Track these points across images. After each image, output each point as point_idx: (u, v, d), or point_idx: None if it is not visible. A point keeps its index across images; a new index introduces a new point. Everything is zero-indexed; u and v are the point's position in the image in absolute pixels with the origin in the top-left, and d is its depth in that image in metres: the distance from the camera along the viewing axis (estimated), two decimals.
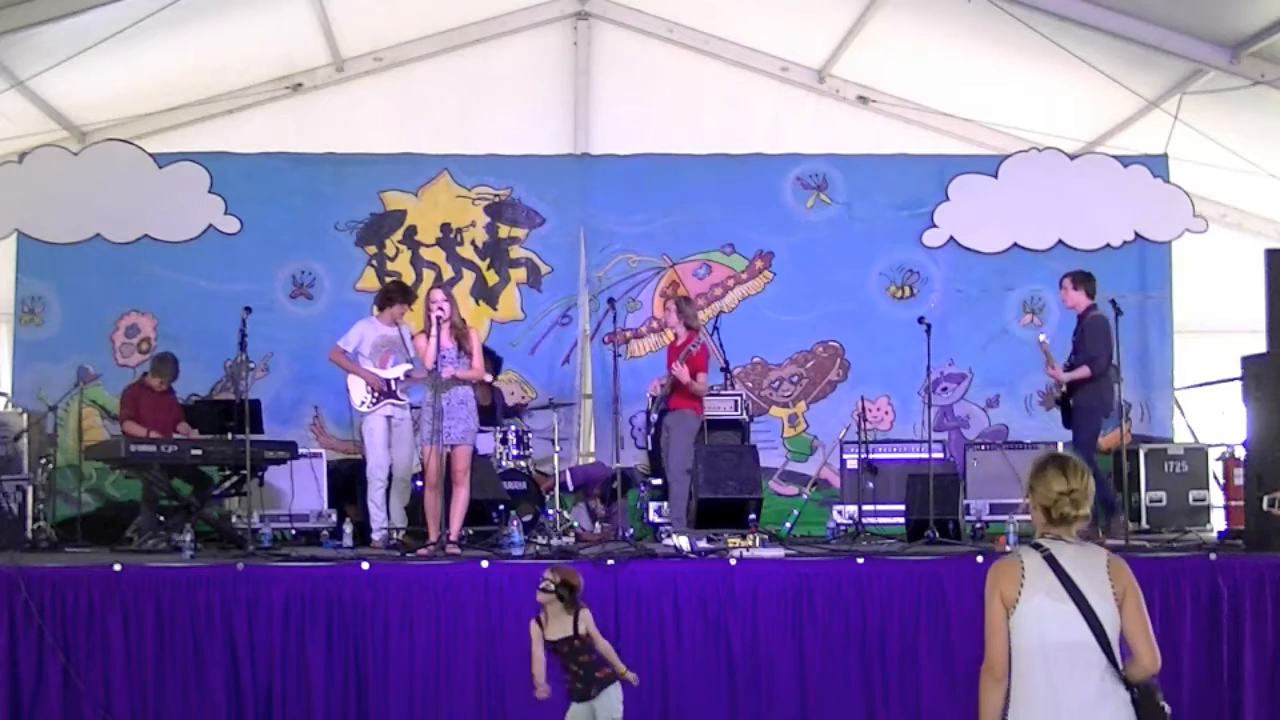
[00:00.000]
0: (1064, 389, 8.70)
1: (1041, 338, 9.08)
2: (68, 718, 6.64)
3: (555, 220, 11.04)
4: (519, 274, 11.05)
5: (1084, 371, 8.53)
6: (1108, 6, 9.69)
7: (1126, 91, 10.44)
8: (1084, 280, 8.90)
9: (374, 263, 10.92)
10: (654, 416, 9.28)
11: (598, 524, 9.83)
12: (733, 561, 7.11)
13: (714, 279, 11.08)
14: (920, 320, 8.88)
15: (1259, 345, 8.05)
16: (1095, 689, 3.71)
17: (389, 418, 8.73)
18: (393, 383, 8.73)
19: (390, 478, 8.77)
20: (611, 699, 5.71)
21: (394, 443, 8.78)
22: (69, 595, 6.69)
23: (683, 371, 8.71)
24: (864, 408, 10.22)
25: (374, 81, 11.89)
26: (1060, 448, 8.61)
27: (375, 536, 8.52)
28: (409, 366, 8.72)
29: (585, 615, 5.72)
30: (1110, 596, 3.74)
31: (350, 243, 10.90)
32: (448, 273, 10.95)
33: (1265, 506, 7.53)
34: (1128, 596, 3.76)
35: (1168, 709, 3.78)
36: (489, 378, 9.43)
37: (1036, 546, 3.83)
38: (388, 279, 10.75)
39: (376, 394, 8.68)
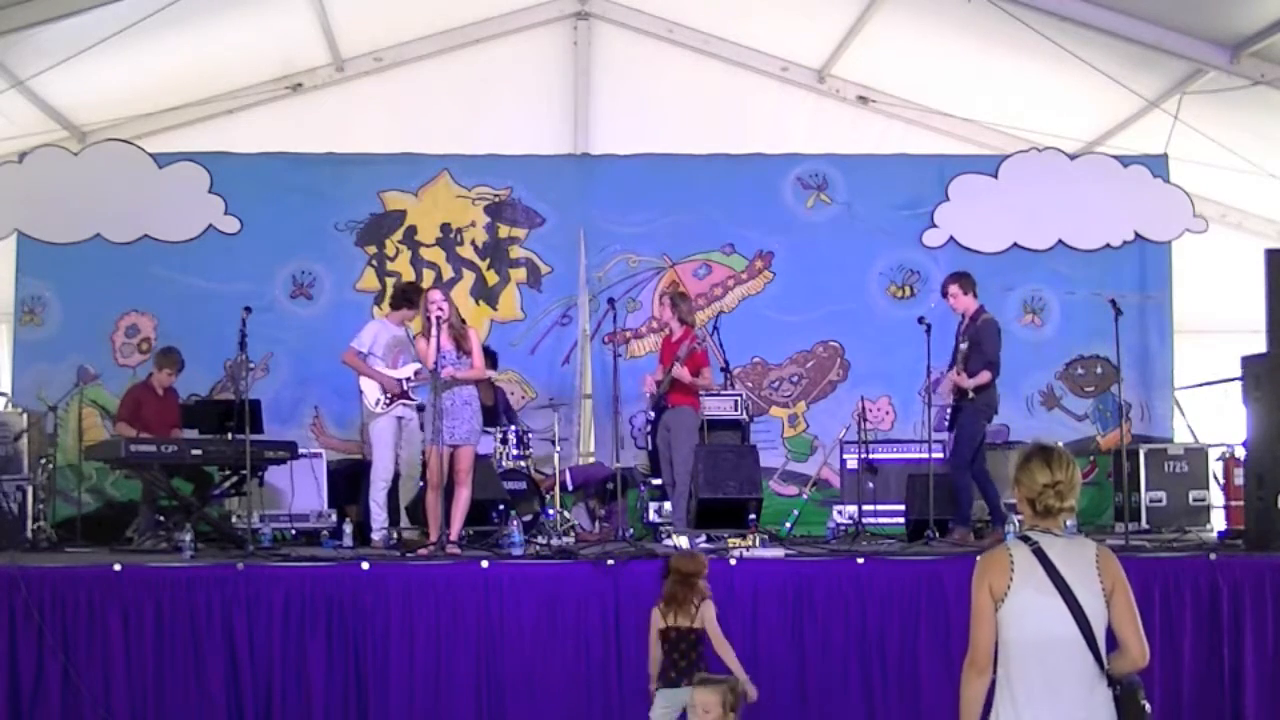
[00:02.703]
0: (967, 395, 8.53)
1: (963, 346, 8.71)
2: (68, 718, 6.64)
3: (555, 220, 11.04)
4: (519, 274, 11.05)
5: (986, 376, 8.46)
6: (1108, 6, 9.69)
7: (1126, 91, 10.43)
8: (972, 283, 8.82)
9: (374, 263, 10.92)
10: (650, 414, 9.26)
11: (598, 524, 9.83)
12: (733, 561, 7.11)
13: (714, 279, 11.08)
14: (920, 320, 8.86)
15: (1259, 345, 8.05)
16: (1079, 685, 3.70)
17: (400, 418, 8.72)
18: (404, 383, 8.72)
19: (396, 477, 8.77)
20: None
21: (404, 443, 8.77)
22: (69, 595, 6.69)
23: (683, 372, 8.70)
24: (864, 408, 10.22)
25: (374, 81, 11.87)
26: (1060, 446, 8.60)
27: (375, 536, 8.51)
28: (418, 366, 8.71)
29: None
30: (1099, 592, 3.73)
31: (350, 243, 10.90)
32: (448, 273, 10.95)
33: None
34: (1116, 590, 3.75)
35: (1149, 708, 3.77)
36: (492, 374, 9.44)
37: (1025, 539, 3.82)
38: (389, 278, 10.78)
39: (390, 395, 8.67)
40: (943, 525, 8.57)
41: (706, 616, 5.99)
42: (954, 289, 8.79)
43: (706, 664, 5.95)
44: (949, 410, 8.84)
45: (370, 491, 8.69)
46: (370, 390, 8.71)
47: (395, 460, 8.71)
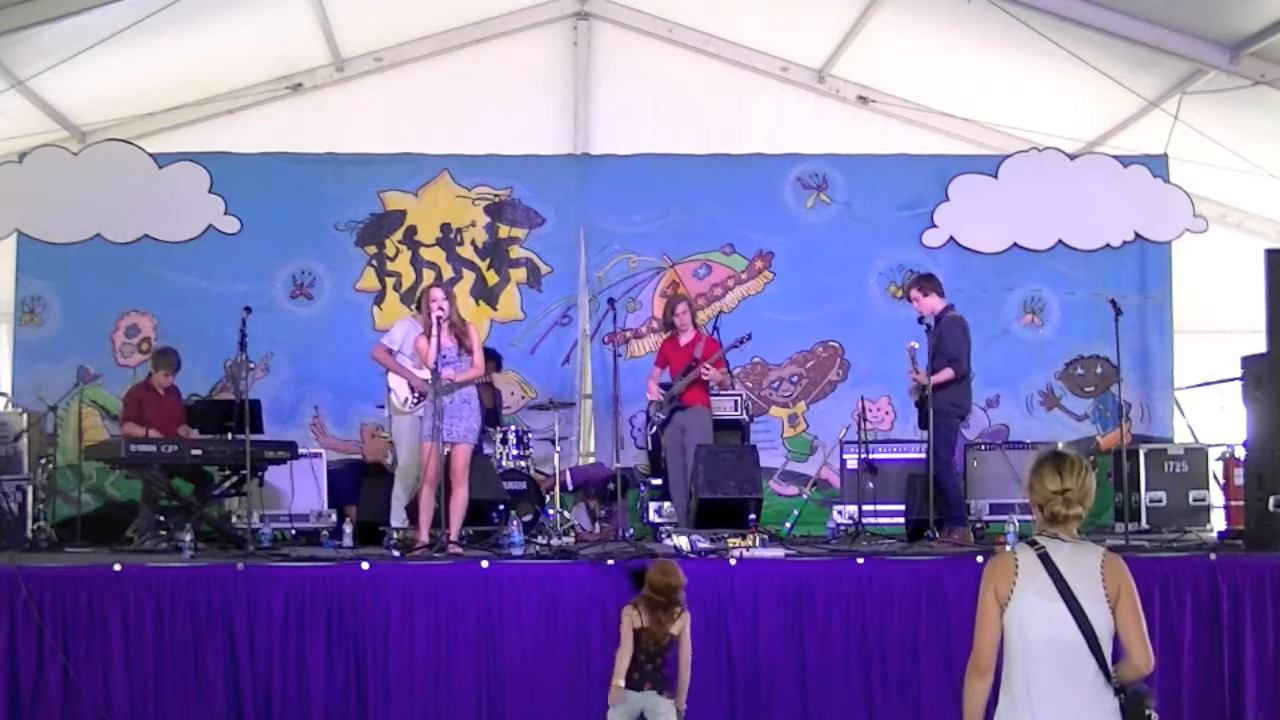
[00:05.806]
0: (925, 392, 8.53)
1: (912, 344, 8.72)
2: (67, 718, 6.62)
3: (555, 220, 11.05)
4: (519, 274, 11.05)
5: (947, 373, 8.44)
6: (1108, 6, 9.69)
7: (1126, 91, 10.44)
8: (933, 285, 8.78)
9: (374, 263, 10.93)
10: (659, 416, 9.23)
11: (598, 524, 9.83)
12: (733, 561, 7.10)
13: (714, 279, 11.08)
14: (920, 320, 8.87)
15: (1259, 345, 8.04)
16: (1083, 692, 3.69)
17: (421, 418, 8.67)
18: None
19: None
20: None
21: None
22: (69, 595, 6.68)
23: (713, 373, 8.78)
24: (864, 408, 10.21)
25: (374, 81, 11.88)
26: (1061, 446, 8.60)
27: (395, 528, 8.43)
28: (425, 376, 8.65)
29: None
30: (1103, 598, 3.72)
31: (350, 243, 10.91)
32: (448, 273, 10.95)
33: (1272, 507, 7.53)
34: (1122, 596, 3.73)
35: (1155, 718, 3.75)
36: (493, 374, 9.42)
37: (1033, 543, 3.83)
38: (389, 278, 10.78)
39: (418, 394, 8.62)
40: (943, 525, 8.55)
41: (684, 627, 6.16)
42: (915, 293, 8.81)
43: (667, 669, 6.16)
44: (916, 409, 8.86)
45: (395, 489, 8.62)
46: (400, 388, 8.63)
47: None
